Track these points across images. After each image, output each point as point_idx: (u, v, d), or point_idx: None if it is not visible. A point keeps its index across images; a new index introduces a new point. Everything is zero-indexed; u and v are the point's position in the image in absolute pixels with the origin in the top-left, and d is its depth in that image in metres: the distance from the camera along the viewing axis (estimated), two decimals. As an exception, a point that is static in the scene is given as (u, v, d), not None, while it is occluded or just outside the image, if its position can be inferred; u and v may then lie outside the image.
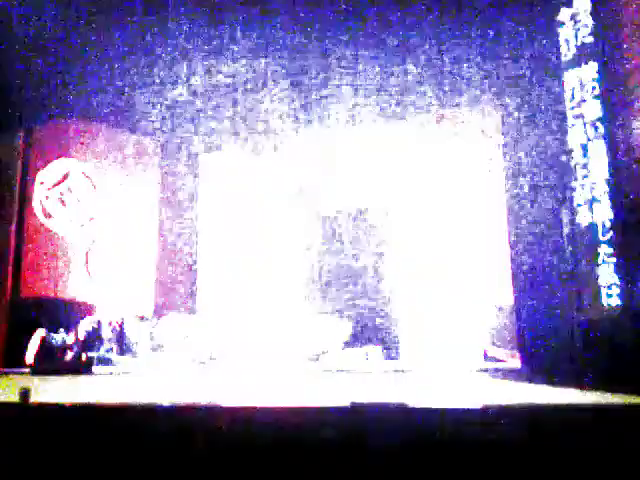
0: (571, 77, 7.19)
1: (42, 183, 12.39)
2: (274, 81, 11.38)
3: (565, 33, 7.31)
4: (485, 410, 2.72)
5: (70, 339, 10.42)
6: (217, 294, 13.47)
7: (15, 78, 10.47)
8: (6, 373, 9.51)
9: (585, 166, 6.93)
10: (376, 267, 12.24)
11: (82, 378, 8.93)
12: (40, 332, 9.91)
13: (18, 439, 2.43)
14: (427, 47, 9.95)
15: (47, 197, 12.43)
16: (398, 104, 11.39)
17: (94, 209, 13.12)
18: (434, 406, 2.94)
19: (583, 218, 6.92)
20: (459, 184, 11.95)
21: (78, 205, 12.91)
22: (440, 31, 9.57)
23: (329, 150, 13.17)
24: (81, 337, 10.78)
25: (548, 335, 7.20)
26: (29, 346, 9.85)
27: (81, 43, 10.13)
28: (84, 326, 11.01)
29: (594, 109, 6.86)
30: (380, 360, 10.22)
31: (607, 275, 6.55)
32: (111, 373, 9.84)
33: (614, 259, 6.49)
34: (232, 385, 8.28)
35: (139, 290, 13.74)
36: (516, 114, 8.32)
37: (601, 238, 6.67)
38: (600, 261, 6.63)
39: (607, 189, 6.66)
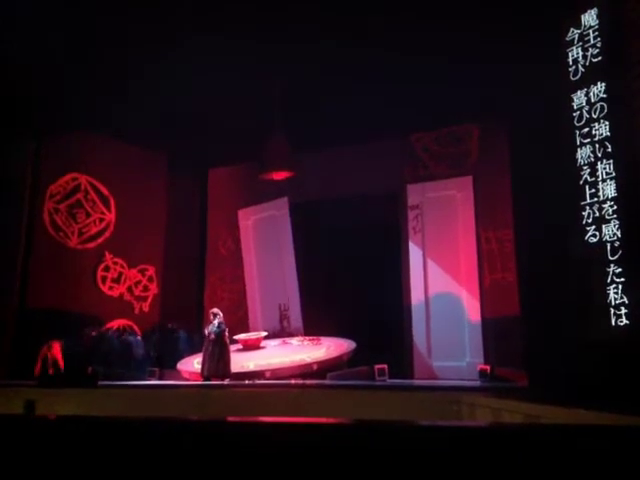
0: (579, 97, 7.20)
1: (52, 196, 12.48)
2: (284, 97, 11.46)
3: (573, 53, 7.34)
4: (490, 428, 2.70)
5: (77, 351, 10.43)
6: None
7: (26, 92, 10.58)
8: (12, 384, 9.50)
9: (594, 185, 6.91)
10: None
11: (88, 391, 8.91)
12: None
13: (22, 452, 2.42)
14: (436, 68, 10.02)
15: (57, 210, 12.51)
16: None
17: (103, 222, 13.19)
18: (440, 423, 2.92)
19: (592, 237, 6.89)
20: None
21: (87, 218, 12.98)
22: (449, 52, 9.65)
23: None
24: (87, 349, 10.79)
25: (555, 355, 7.15)
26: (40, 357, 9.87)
27: (90, 58, 10.24)
28: (90, 338, 11.02)
29: (602, 129, 6.86)
30: (387, 377, 10.17)
31: (615, 295, 6.51)
32: (116, 386, 9.82)
33: (622, 279, 6.45)
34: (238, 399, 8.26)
35: (146, 303, 13.77)
36: (525, 133, 8.33)
37: (610, 257, 6.63)
38: (609, 280, 6.59)
39: (616, 208, 6.64)
